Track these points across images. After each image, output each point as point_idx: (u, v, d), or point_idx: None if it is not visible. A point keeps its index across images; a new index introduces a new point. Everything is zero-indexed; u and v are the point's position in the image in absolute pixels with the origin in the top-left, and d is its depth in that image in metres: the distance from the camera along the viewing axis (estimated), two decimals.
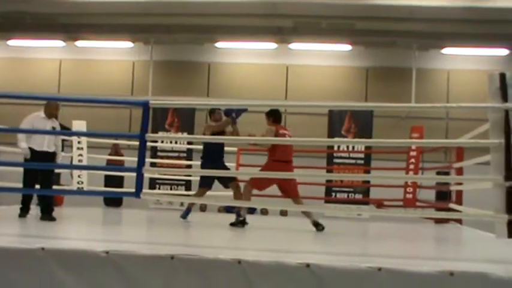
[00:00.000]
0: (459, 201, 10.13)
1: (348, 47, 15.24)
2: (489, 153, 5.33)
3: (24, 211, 8.08)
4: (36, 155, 7.85)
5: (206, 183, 8.59)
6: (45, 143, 7.97)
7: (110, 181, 11.86)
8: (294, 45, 15.27)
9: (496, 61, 14.78)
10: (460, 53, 15.18)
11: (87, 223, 8.55)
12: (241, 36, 14.86)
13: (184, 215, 8.81)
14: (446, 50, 15.07)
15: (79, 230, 7.62)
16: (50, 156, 8.06)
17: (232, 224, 7.95)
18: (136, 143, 6.18)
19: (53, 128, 8.07)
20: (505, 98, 5.11)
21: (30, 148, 7.87)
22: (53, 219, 7.74)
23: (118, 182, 11.72)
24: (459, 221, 10.47)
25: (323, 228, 7.76)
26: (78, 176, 11.28)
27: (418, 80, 14.66)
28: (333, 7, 13.29)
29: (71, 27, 15.10)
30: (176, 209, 11.11)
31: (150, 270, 4.50)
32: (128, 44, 15.71)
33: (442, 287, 4.22)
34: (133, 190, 6.09)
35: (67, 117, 12.13)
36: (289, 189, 8.02)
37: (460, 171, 10.12)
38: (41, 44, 15.95)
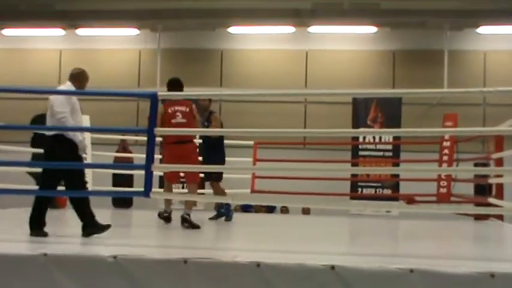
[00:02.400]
0: (500, 196, 10.05)
1: (372, 29, 15.14)
2: None
3: (38, 227, 6.08)
4: (74, 147, 6.26)
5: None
6: None
7: (118, 180, 11.87)
8: (314, 29, 15.18)
9: None
10: (498, 32, 15.00)
11: None
12: (256, 20, 14.80)
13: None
14: (482, 29, 14.88)
15: None
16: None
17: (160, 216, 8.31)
18: (145, 138, 6.19)
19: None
20: None
21: (66, 138, 6.23)
22: (43, 234, 6.06)
23: (127, 181, 11.72)
24: (500, 217, 10.39)
25: (193, 227, 7.59)
26: None
27: (451, 63, 14.53)
28: None
29: (70, 14, 15.11)
30: None
31: (162, 276, 4.51)
32: (134, 31, 15.71)
33: None
34: (142, 189, 6.10)
35: None
36: (186, 172, 8.03)
37: (499, 162, 10.04)
38: (39, 33, 15.99)
